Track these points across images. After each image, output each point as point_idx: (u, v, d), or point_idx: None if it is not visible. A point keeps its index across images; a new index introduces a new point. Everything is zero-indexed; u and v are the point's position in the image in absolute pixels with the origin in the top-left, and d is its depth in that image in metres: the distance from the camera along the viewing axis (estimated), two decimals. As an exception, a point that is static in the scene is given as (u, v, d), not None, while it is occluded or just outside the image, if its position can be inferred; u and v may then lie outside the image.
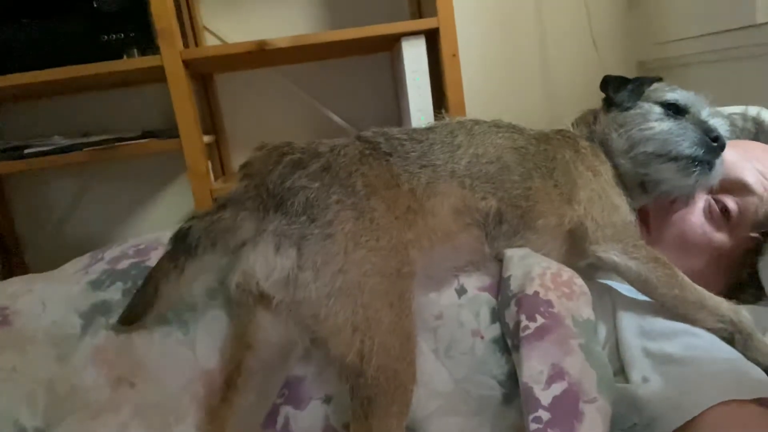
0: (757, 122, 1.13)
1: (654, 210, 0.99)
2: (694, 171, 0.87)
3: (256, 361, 0.73)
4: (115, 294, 0.80)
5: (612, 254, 0.83)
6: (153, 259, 0.84)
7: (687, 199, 0.95)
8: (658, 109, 0.92)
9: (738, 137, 1.12)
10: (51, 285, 0.83)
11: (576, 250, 0.87)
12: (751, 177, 0.94)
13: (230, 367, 0.73)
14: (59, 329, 0.77)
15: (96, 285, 0.82)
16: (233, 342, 0.75)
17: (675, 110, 0.91)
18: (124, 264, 0.84)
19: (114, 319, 0.77)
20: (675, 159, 0.88)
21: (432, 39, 1.56)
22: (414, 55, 1.54)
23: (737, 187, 0.94)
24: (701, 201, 0.96)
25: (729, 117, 1.12)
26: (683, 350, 0.76)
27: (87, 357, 0.75)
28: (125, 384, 0.73)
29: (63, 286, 0.82)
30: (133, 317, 0.75)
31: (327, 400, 0.75)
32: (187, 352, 0.76)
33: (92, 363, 0.74)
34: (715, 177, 0.90)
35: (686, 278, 0.82)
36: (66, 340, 0.76)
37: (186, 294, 0.77)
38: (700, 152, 0.87)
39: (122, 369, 0.74)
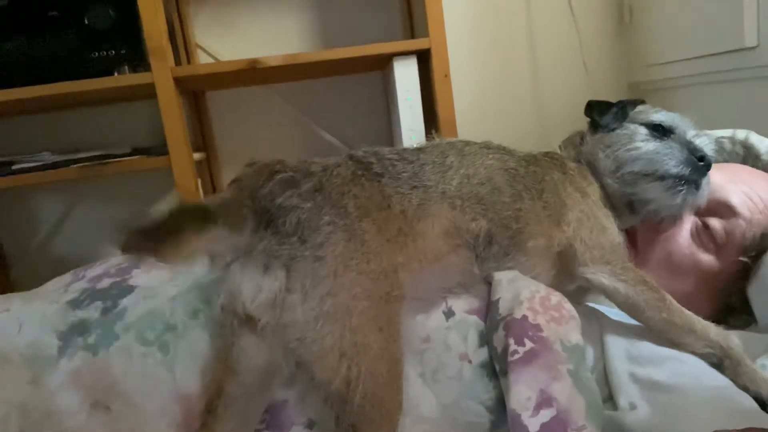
0: (746, 146, 1.13)
1: (641, 231, 0.98)
2: (681, 190, 0.88)
3: (237, 386, 0.71)
4: (94, 313, 0.78)
5: (600, 276, 0.83)
6: (135, 278, 0.83)
7: (674, 220, 0.95)
8: (643, 130, 0.92)
9: (726, 160, 1.12)
10: (29, 304, 0.81)
11: (565, 273, 0.86)
12: (736, 199, 0.94)
13: (211, 391, 0.71)
14: (35, 350, 0.75)
15: (75, 304, 0.80)
16: (215, 365, 0.73)
17: (661, 131, 0.92)
18: (105, 283, 0.83)
19: (93, 338, 0.75)
20: (662, 178, 0.88)
21: (424, 59, 1.57)
22: (406, 75, 1.55)
23: (723, 210, 0.94)
24: (688, 222, 0.96)
25: (717, 140, 1.12)
26: (670, 377, 0.75)
27: (63, 379, 0.73)
28: (101, 408, 0.71)
29: (41, 305, 0.81)
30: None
31: (309, 425, 0.73)
32: (167, 374, 0.74)
33: (68, 386, 0.72)
34: (702, 196, 0.90)
35: (674, 302, 0.81)
36: (42, 361, 0.74)
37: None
38: (686, 171, 0.87)
39: (98, 392, 0.72)
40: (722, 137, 1.16)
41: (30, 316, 0.79)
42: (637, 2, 1.89)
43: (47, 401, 0.72)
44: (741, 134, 1.15)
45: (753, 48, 1.36)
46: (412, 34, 1.89)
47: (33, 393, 0.72)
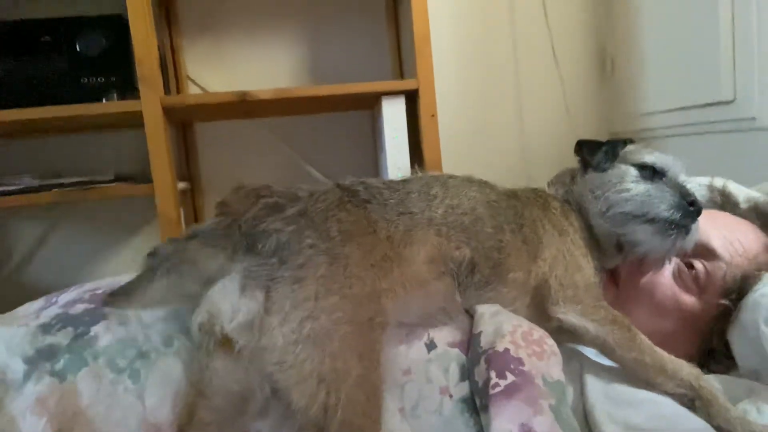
0: (723, 193, 1.15)
1: (624, 270, 0.99)
2: (671, 234, 0.87)
3: (210, 411, 0.69)
4: (64, 339, 0.76)
5: (571, 316, 0.82)
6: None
7: (661, 262, 0.94)
8: (634, 171, 0.91)
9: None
10: None
11: (540, 311, 0.85)
12: (717, 242, 0.95)
13: (182, 418, 0.69)
14: None
15: (45, 329, 0.77)
16: (188, 389, 0.71)
17: (652, 172, 0.91)
18: (77, 308, 0.80)
19: (61, 364, 0.73)
20: (652, 221, 0.87)
21: (412, 99, 1.60)
22: (394, 114, 1.57)
23: (704, 252, 0.95)
24: (670, 263, 0.97)
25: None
26: (647, 420, 0.74)
27: (26, 404, 0.70)
28: None
29: (9, 329, 0.78)
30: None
31: None
32: (136, 402, 0.71)
33: (32, 411, 0.69)
34: (691, 241, 0.89)
35: (646, 341, 0.81)
36: (5, 385, 0.71)
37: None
38: (677, 215, 0.87)
39: (63, 419, 0.69)
40: (700, 184, 1.18)
41: None
42: (619, 54, 1.96)
43: (9, 426, 0.68)
44: (719, 182, 1.17)
45: (730, 102, 1.41)
46: (401, 75, 1.93)
47: None
